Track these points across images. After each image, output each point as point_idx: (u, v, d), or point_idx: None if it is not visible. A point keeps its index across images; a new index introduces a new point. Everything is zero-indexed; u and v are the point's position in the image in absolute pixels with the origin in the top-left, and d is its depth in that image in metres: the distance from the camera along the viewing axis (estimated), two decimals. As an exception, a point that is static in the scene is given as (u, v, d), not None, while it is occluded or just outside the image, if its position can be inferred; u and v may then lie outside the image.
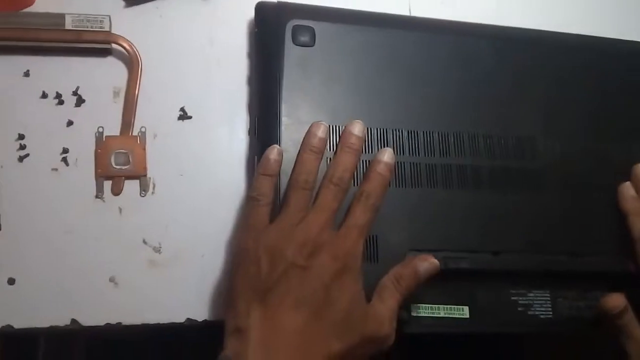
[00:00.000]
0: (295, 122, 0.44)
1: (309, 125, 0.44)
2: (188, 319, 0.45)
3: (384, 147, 0.45)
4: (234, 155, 0.49)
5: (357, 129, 0.44)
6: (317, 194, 0.42)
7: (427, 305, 0.44)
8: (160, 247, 0.46)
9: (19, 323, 0.43)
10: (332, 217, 0.41)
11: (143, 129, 0.48)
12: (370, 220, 0.42)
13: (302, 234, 0.40)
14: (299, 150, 0.43)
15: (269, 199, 0.41)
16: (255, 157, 0.45)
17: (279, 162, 0.42)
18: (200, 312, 0.45)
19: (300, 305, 0.38)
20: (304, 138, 0.43)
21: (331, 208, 0.41)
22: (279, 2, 0.48)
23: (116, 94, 0.48)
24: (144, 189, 0.47)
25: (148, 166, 0.47)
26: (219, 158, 0.48)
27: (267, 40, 0.48)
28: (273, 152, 0.42)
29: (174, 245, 0.46)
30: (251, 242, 0.40)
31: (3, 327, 0.43)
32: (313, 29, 0.47)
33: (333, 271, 0.39)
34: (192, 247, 0.46)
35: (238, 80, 0.50)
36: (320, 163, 0.43)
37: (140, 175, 0.47)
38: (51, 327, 0.43)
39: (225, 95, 0.50)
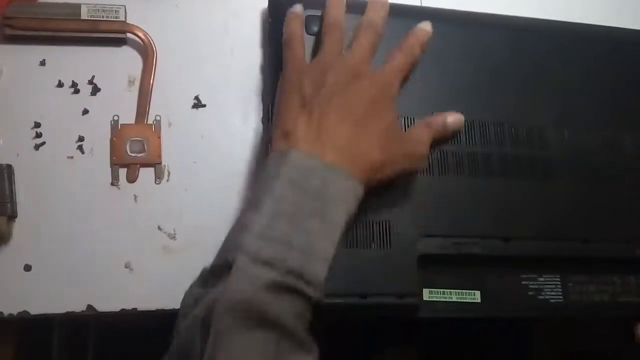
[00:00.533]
0: None
1: None
2: (203, 305, 0.45)
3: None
4: (248, 143, 0.49)
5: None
6: (353, 37, 0.44)
7: (439, 290, 0.44)
8: (174, 234, 0.46)
9: (35, 309, 0.43)
10: (369, 55, 0.43)
11: (158, 117, 0.48)
12: (406, 64, 0.44)
13: (342, 64, 0.42)
14: (326, 5, 0.45)
15: (301, 38, 0.44)
16: (269, 144, 0.45)
17: (303, 13, 0.46)
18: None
19: (344, 116, 0.40)
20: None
21: (368, 47, 0.43)
22: None
23: (131, 82, 0.48)
24: (158, 176, 0.47)
25: (163, 154, 0.47)
26: (232, 146, 0.49)
27: (281, 30, 0.48)
28: (298, 5, 0.46)
29: (189, 231, 0.46)
30: (294, 75, 0.42)
31: (20, 313, 0.43)
32: None
33: (372, 94, 0.41)
34: (206, 234, 0.46)
35: (252, 69, 0.50)
36: (344, 13, 0.45)
37: (155, 163, 0.47)
38: (67, 313, 0.43)
39: (239, 84, 0.50)
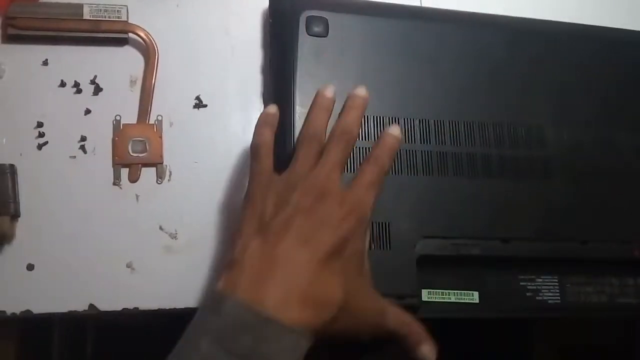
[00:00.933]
0: None
1: None
2: (204, 304, 0.45)
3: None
4: (248, 144, 0.49)
5: (361, 90, 0.43)
6: (325, 148, 0.41)
7: (438, 290, 0.44)
8: (176, 234, 0.46)
9: (37, 308, 0.43)
10: (340, 170, 0.40)
11: (159, 117, 0.48)
12: (379, 178, 0.40)
13: (309, 182, 0.39)
14: (308, 110, 0.43)
15: (270, 149, 0.41)
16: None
17: (277, 116, 0.43)
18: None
19: (303, 243, 0.36)
20: (313, 99, 0.43)
21: (339, 161, 0.40)
22: None
23: (133, 82, 0.49)
24: (160, 176, 0.47)
25: (164, 154, 0.47)
26: (233, 146, 0.49)
27: (281, 31, 0.48)
28: (272, 107, 0.43)
29: (190, 231, 0.46)
30: (258, 190, 0.40)
31: (22, 312, 0.43)
32: (326, 20, 0.47)
33: (340, 217, 0.38)
34: (207, 234, 0.46)
35: (252, 69, 0.51)
36: (328, 121, 0.42)
37: (156, 163, 0.47)
38: (69, 312, 0.44)
39: (240, 84, 0.50)
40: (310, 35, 0.47)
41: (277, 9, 0.49)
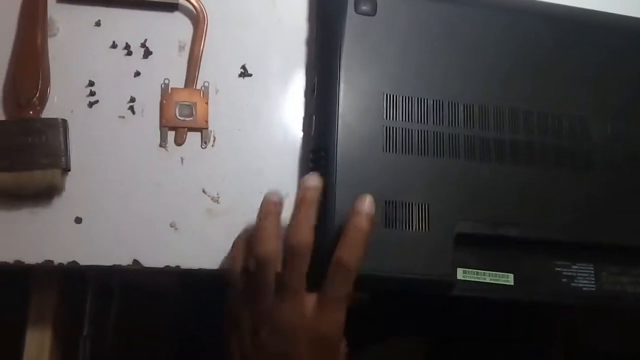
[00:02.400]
0: (354, 90, 0.46)
1: (367, 93, 0.46)
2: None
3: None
4: (290, 114, 0.50)
5: (313, 180, 0.42)
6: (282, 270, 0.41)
7: (474, 270, 0.45)
8: (218, 197, 0.48)
9: (83, 260, 0.45)
10: (301, 294, 0.41)
11: (206, 84, 0.49)
12: (350, 289, 0.40)
13: (274, 324, 0.41)
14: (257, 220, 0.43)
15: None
16: (314, 116, 0.47)
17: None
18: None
19: None
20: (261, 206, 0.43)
21: (297, 287, 0.41)
22: None
23: (181, 48, 0.50)
24: (205, 140, 0.48)
25: (209, 119, 0.49)
26: (275, 115, 0.50)
27: (329, 7, 0.49)
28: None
29: (231, 196, 0.48)
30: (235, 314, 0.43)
31: (69, 262, 0.45)
32: None
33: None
34: (247, 199, 0.48)
35: (298, 41, 0.52)
36: (279, 225, 0.42)
37: (202, 128, 0.48)
38: (114, 266, 0.45)
39: (285, 55, 0.51)
40: (358, 13, 0.48)
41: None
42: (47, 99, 0.46)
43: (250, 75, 0.50)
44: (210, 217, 0.47)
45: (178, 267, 0.46)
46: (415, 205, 0.44)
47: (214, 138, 0.49)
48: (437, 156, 0.46)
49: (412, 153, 0.45)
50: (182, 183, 0.47)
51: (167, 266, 0.46)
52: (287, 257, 0.40)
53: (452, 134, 0.46)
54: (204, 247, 0.47)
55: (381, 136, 0.45)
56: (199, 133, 0.48)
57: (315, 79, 0.48)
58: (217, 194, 0.48)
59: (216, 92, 0.49)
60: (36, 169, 0.44)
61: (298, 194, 0.42)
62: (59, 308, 0.50)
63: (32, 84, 0.45)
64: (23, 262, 0.44)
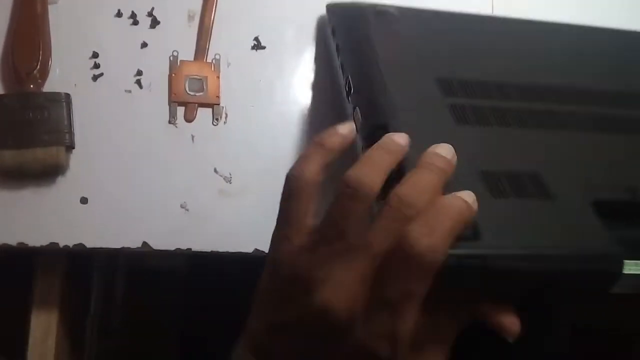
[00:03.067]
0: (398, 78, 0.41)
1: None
2: (256, 249, 0.44)
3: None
4: (303, 90, 0.48)
5: (444, 150, 0.31)
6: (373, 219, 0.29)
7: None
8: (230, 177, 0.45)
9: (90, 242, 0.43)
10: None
11: (217, 56, 0.46)
12: (428, 279, 0.27)
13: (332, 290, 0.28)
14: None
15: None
16: (356, 107, 0.40)
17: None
18: (268, 243, 0.45)
19: None
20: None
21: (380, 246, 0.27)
22: None
23: (191, 17, 0.47)
24: (216, 117, 0.46)
25: (221, 95, 0.46)
26: (290, 91, 0.47)
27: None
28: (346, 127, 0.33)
29: (244, 176, 0.45)
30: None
31: (75, 245, 0.43)
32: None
33: None
34: (261, 179, 0.45)
35: (311, 15, 0.49)
36: (389, 166, 0.30)
37: (213, 104, 0.46)
38: (123, 249, 0.43)
39: (299, 29, 0.48)
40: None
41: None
42: (48, 72, 0.44)
43: (263, 47, 0.48)
44: (222, 198, 0.45)
45: (189, 249, 0.44)
46: (524, 175, 0.35)
47: (226, 114, 0.46)
48: (507, 126, 0.39)
49: (486, 124, 0.39)
50: (192, 162, 0.45)
51: (178, 249, 0.44)
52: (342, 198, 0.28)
53: (520, 108, 0.41)
54: (216, 229, 0.44)
55: (448, 112, 0.38)
56: (210, 109, 0.46)
57: (349, 77, 0.43)
58: (230, 174, 0.45)
59: (228, 66, 0.47)
60: (38, 146, 0.41)
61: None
62: (64, 290, 0.48)
63: (32, 55, 0.42)
64: (27, 245, 0.42)
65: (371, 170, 0.29)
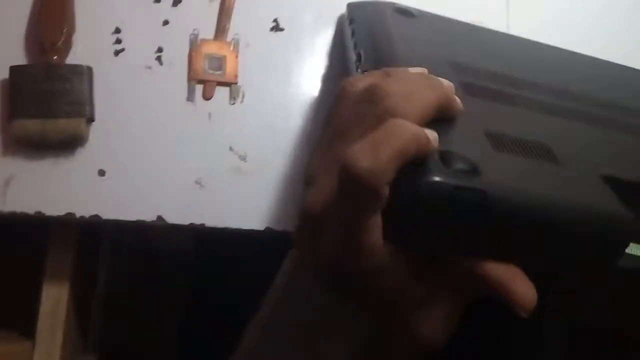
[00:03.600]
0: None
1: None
2: (267, 227, 0.45)
3: None
4: (319, 73, 0.48)
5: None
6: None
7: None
8: (245, 156, 0.46)
9: (106, 214, 0.44)
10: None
11: (237, 36, 0.47)
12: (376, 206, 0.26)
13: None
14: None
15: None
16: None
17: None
18: (279, 222, 0.46)
19: None
20: None
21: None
22: None
23: (212, -3, 0.48)
24: (234, 96, 0.47)
25: (239, 74, 0.47)
26: (306, 73, 0.48)
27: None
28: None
29: (259, 155, 0.46)
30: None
31: (91, 216, 0.43)
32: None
33: None
34: (276, 159, 0.46)
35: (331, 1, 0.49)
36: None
37: (231, 83, 0.46)
38: (138, 221, 0.44)
39: (317, 11, 0.49)
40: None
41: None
42: (72, 45, 0.44)
43: (282, 29, 0.48)
44: (236, 176, 0.46)
45: (203, 225, 0.44)
46: (532, 142, 0.32)
47: (243, 94, 0.47)
48: (517, 107, 0.38)
49: (496, 101, 0.37)
50: (208, 139, 0.46)
51: (191, 224, 0.44)
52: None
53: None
54: (230, 206, 0.45)
55: (459, 86, 0.33)
56: (228, 88, 0.47)
57: (361, 51, 0.43)
58: (245, 153, 0.46)
59: (247, 46, 0.47)
60: (60, 117, 0.42)
61: None
62: (76, 263, 0.49)
63: (57, 27, 0.43)
64: (44, 214, 0.43)
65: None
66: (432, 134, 0.27)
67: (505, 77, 0.41)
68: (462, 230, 0.26)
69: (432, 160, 0.26)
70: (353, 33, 0.45)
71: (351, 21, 0.47)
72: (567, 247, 0.28)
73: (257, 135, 0.46)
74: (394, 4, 0.46)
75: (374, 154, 0.24)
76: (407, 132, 0.25)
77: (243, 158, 0.46)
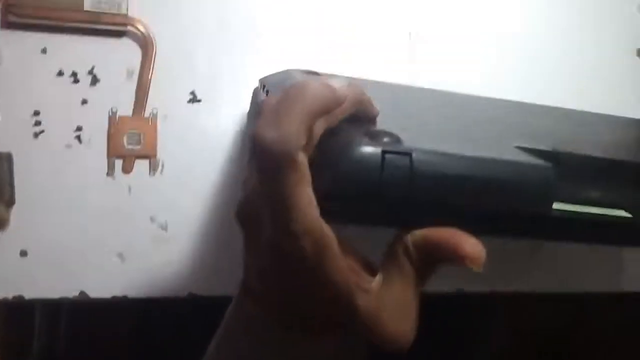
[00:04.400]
0: None
1: None
2: (190, 293, 0.47)
3: None
4: (241, 138, 0.50)
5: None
6: None
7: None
8: (166, 225, 0.48)
9: (30, 294, 0.45)
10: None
11: (155, 111, 0.49)
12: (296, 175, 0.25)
13: None
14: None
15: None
16: None
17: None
18: (201, 287, 0.47)
19: None
20: None
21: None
22: None
23: (130, 74, 0.49)
24: (153, 168, 0.48)
25: (158, 146, 0.48)
26: (226, 141, 0.50)
27: None
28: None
29: (180, 224, 0.48)
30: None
31: (15, 297, 0.45)
32: None
33: None
34: (196, 226, 0.48)
35: (247, 66, 0.51)
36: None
37: (150, 156, 0.48)
38: (61, 299, 0.45)
39: (234, 81, 0.51)
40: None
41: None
42: (-10, 131, 0.46)
43: (199, 100, 0.50)
44: (158, 245, 0.47)
45: (125, 297, 0.46)
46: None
47: (163, 165, 0.49)
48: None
49: None
50: (129, 213, 0.47)
51: (114, 297, 0.46)
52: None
53: None
54: (152, 276, 0.47)
55: None
56: (147, 160, 0.48)
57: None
58: (166, 222, 0.48)
59: (165, 118, 0.49)
60: (-21, 202, 0.44)
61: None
62: (5, 339, 0.50)
63: (-27, 116, 0.45)
64: (-33, 297, 0.44)
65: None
66: (339, 82, 0.27)
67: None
68: (394, 198, 0.27)
69: (358, 134, 0.27)
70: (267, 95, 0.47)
71: (264, 87, 0.49)
72: (496, 202, 0.28)
73: (177, 204, 0.48)
74: (303, 69, 0.48)
75: (277, 122, 0.25)
76: (307, 92, 0.26)
77: (164, 227, 0.48)
